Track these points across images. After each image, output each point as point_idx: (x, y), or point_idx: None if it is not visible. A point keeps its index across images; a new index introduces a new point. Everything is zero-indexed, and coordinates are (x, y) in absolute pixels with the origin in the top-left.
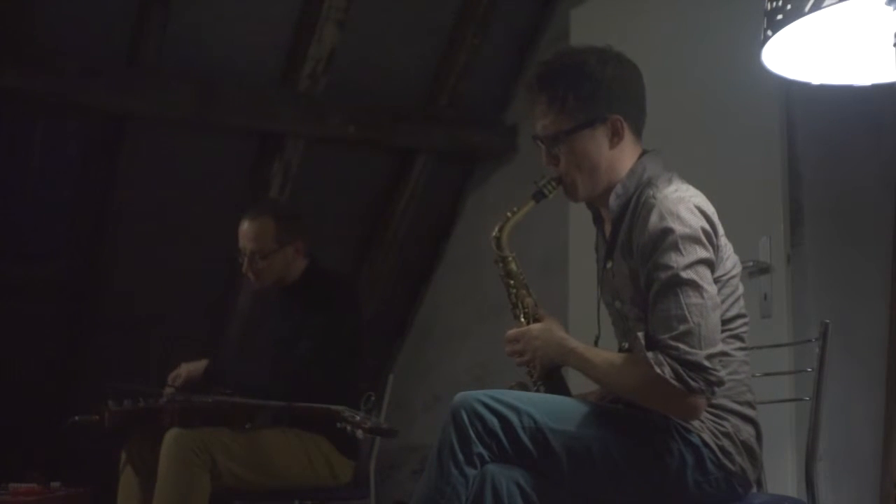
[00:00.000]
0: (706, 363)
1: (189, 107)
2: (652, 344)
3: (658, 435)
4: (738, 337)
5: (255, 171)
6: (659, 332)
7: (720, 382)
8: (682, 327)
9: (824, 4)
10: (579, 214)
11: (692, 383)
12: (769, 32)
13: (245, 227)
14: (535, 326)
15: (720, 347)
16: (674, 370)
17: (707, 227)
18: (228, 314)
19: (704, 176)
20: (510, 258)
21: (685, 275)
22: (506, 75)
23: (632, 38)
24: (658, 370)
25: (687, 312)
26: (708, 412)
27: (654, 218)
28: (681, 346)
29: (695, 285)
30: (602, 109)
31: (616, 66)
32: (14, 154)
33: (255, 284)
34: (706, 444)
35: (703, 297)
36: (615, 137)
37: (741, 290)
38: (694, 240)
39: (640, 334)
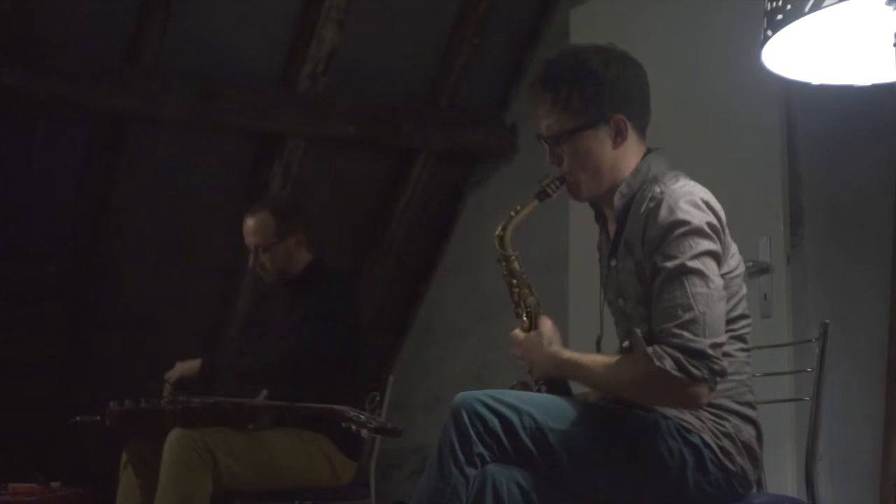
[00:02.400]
0: (710, 351)
1: (189, 107)
2: (655, 334)
3: (659, 435)
4: (740, 338)
5: (254, 171)
6: (663, 320)
7: (723, 372)
8: (686, 315)
9: (824, 4)
10: (580, 214)
11: (694, 371)
12: (769, 32)
13: (247, 223)
14: (532, 336)
15: (725, 338)
16: (675, 360)
17: (714, 221)
18: (229, 314)
19: (704, 176)
20: (513, 257)
21: (692, 264)
22: (506, 75)
23: (631, 39)
24: (658, 363)
25: (692, 301)
26: (709, 412)
27: (663, 211)
28: (685, 333)
29: (701, 275)
30: (605, 109)
31: (619, 65)
32: (14, 154)
33: (264, 279)
34: (707, 445)
35: (709, 287)
36: (619, 137)
37: (744, 290)
38: (701, 232)
39: (639, 331)
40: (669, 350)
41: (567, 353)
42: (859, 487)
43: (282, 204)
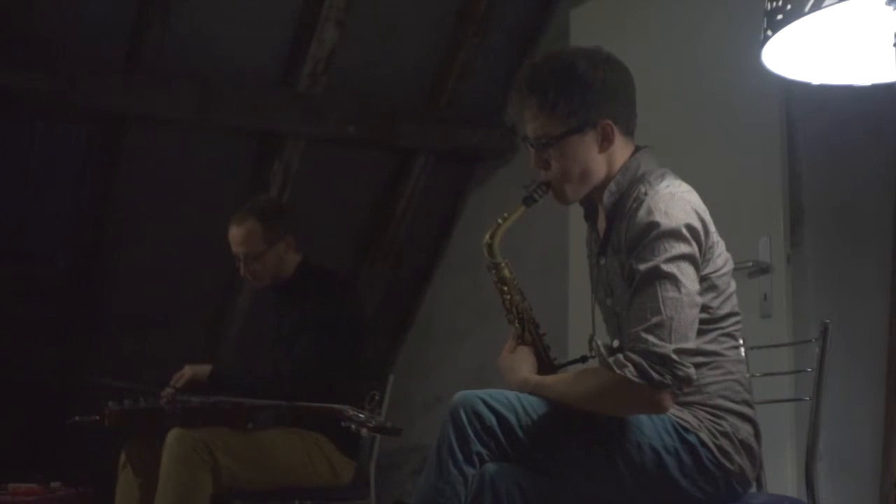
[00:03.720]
0: (674, 356)
1: (189, 107)
2: (623, 339)
3: (656, 434)
4: (730, 335)
5: (255, 171)
6: (633, 324)
7: (689, 379)
8: (654, 319)
9: (824, 4)
10: (580, 214)
11: (655, 377)
12: (769, 32)
13: (233, 232)
14: (506, 359)
15: (693, 344)
16: (637, 366)
17: (695, 223)
18: (229, 314)
19: (704, 176)
20: (503, 264)
21: (666, 268)
22: (506, 75)
23: (631, 39)
24: (619, 371)
25: (661, 305)
26: (706, 412)
27: (642, 213)
28: (650, 338)
29: (673, 279)
30: (592, 114)
31: (606, 69)
32: (14, 154)
33: (254, 285)
34: (704, 444)
35: (680, 292)
36: (605, 142)
37: (733, 287)
38: (678, 235)
39: (601, 342)
40: (633, 356)
41: (534, 379)
42: (859, 487)
43: (267, 209)
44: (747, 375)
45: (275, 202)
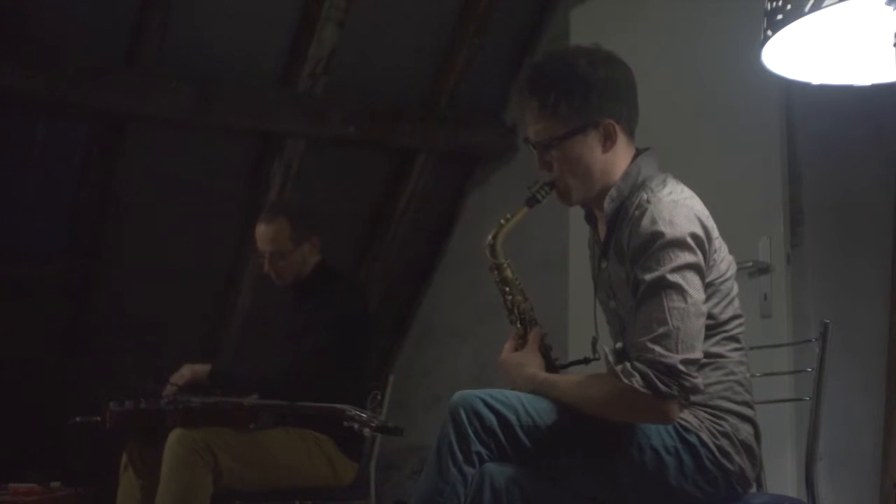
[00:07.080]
0: (681, 367)
1: (189, 107)
2: (631, 347)
3: (656, 433)
4: (733, 338)
5: (255, 171)
6: (638, 334)
7: (695, 389)
8: (660, 329)
9: (824, 4)
10: (579, 215)
11: (662, 387)
12: (769, 32)
13: (262, 229)
14: (512, 358)
15: (699, 354)
16: (644, 376)
17: (699, 231)
18: (229, 313)
19: (704, 176)
20: (505, 265)
21: (672, 278)
22: (506, 75)
23: (631, 38)
24: (626, 381)
25: (668, 315)
26: (706, 412)
27: (645, 221)
28: (657, 348)
29: (679, 289)
30: (594, 114)
31: (607, 68)
32: (14, 154)
33: (277, 283)
34: (704, 444)
35: (686, 302)
36: (608, 142)
37: (736, 290)
38: (683, 245)
39: (608, 349)
40: (639, 366)
41: (543, 375)
42: (859, 487)
43: (297, 209)
44: (748, 376)
45: (304, 202)
